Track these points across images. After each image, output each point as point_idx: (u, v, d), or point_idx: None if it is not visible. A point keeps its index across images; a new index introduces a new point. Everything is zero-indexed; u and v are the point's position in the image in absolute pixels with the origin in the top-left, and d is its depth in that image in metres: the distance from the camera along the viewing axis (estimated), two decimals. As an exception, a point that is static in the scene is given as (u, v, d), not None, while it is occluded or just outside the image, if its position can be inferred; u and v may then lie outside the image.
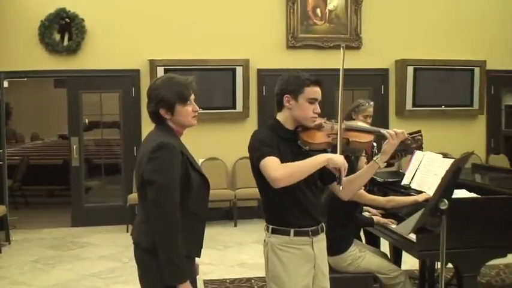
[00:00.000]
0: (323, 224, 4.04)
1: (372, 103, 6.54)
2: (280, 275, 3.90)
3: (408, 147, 4.35)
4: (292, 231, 3.86)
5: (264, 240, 4.04)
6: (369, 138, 4.02)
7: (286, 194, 3.76)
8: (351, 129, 4.04)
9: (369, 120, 6.36)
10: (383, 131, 4.02)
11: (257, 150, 3.79)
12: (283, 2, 11.55)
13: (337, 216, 5.18)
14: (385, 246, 6.51)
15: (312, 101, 3.87)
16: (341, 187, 3.77)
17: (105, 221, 10.99)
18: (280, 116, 3.97)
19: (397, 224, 5.36)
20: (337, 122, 3.92)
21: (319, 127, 3.94)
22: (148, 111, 3.60)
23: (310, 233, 3.92)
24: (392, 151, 3.96)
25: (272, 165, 3.67)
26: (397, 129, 3.99)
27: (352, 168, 4.81)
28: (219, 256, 8.81)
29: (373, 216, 5.62)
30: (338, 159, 3.70)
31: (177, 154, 3.42)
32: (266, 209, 3.99)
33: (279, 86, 3.94)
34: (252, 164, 3.87)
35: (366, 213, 5.79)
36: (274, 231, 3.92)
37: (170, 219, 3.31)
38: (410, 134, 4.36)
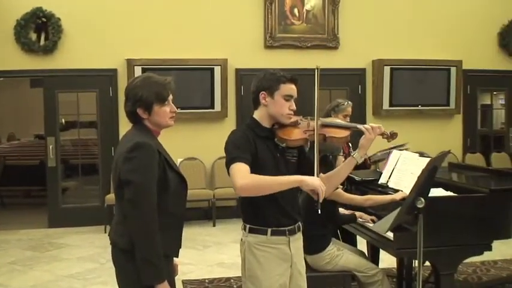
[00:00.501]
0: (300, 223, 4.05)
1: (350, 103, 6.63)
2: (257, 274, 3.91)
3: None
4: (269, 230, 3.87)
5: (241, 240, 4.04)
6: (345, 133, 4.05)
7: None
8: (328, 125, 4.07)
9: (348, 119, 6.43)
10: (359, 126, 4.04)
11: (229, 154, 3.78)
12: (261, 2, 11.56)
13: (315, 215, 5.18)
14: (362, 244, 6.54)
15: (287, 98, 3.88)
16: (319, 211, 3.74)
17: (82, 222, 10.92)
18: (257, 114, 3.99)
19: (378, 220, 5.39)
20: (313, 119, 3.95)
21: (295, 124, 3.97)
22: (126, 110, 3.58)
23: (287, 232, 3.93)
24: (369, 145, 3.99)
25: (239, 173, 3.66)
26: (373, 124, 4.02)
27: (331, 168, 4.84)
28: (198, 256, 8.80)
29: (355, 212, 5.65)
30: (313, 181, 3.67)
31: (154, 154, 3.41)
32: (243, 209, 3.98)
33: (255, 84, 3.96)
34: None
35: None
36: (251, 231, 3.93)
37: (147, 219, 3.29)
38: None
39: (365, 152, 4.01)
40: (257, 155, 3.81)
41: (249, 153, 3.76)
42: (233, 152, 3.76)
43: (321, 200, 3.66)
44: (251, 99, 3.99)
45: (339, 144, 4.39)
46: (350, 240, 6.41)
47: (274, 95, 3.87)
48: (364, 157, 4.10)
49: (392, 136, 4.18)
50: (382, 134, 4.09)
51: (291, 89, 3.90)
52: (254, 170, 3.76)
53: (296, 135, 3.93)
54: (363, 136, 3.98)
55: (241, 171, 3.66)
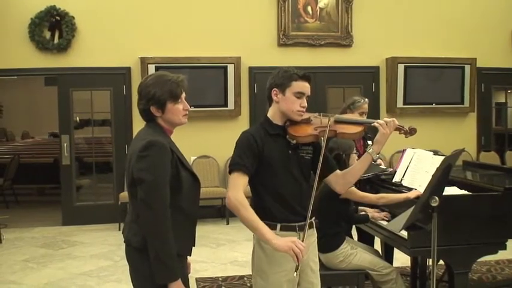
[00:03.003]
0: (313, 220, 4.04)
1: (366, 100, 6.66)
2: (265, 269, 3.93)
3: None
4: (278, 225, 3.87)
5: (253, 234, 4.04)
6: (357, 129, 4.04)
7: (269, 190, 3.85)
8: (340, 121, 4.06)
9: (364, 116, 6.44)
10: (373, 122, 4.04)
11: (232, 158, 3.91)
12: (274, 0, 11.55)
13: (329, 214, 5.19)
14: (376, 243, 6.52)
15: (298, 95, 3.90)
16: (295, 273, 3.65)
17: (96, 220, 11.00)
18: (270, 112, 4.03)
19: (392, 218, 5.38)
20: (326, 116, 3.99)
21: (307, 121, 3.99)
22: (139, 108, 3.58)
23: (297, 228, 3.92)
24: (385, 141, 3.97)
25: (236, 184, 3.79)
26: (387, 118, 4.01)
27: (344, 166, 4.85)
28: (211, 254, 8.81)
29: (368, 213, 5.64)
30: (282, 245, 3.60)
31: (167, 152, 3.40)
32: (253, 204, 3.98)
33: (269, 81, 4.00)
34: None
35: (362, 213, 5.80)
36: None
37: (160, 218, 3.28)
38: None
39: (381, 147, 4.00)
40: (263, 154, 3.85)
41: (250, 157, 3.83)
42: (235, 158, 3.88)
43: (298, 263, 3.56)
44: (266, 97, 4.03)
45: (350, 139, 4.40)
46: (368, 240, 6.40)
47: (286, 92, 3.90)
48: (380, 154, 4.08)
49: (411, 132, 4.13)
50: (399, 130, 4.06)
51: (303, 86, 3.92)
52: (261, 168, 3.85)
53: (306, 131, 3.93)
54: (379, 132, 3.98)
55: (235, 184, 3.79)
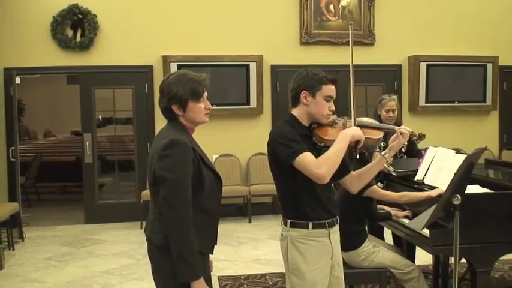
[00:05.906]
0: (337, 216, 4.09)
1: (393, 97, 6.64)
2: (300, 267, 3.97)
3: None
4: (310, 224, 3.93)
5: (282, 235, 4.10)
6: (379, 134, 4.12)
7: (304, 188, 3.86)
8: (363, 125, 4.11)
9: (391, 114, 6.46)
10: (395, 128, 4.17)
11: (287, 147, 3.83)
12: (296, -2, 11.56)
13: (351, 212, 5.19)
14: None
15: (328, 98, 3.95)
16: (357, 155, 4.00)
17: (118, 218, 11.05)
18: (296, 112, 4.05)
19: (414, 216, 5.36)
20: (349, 119, 4.06)
21: (332, 124, 4.05)
22: (161, 106, 3.59)
23: (326, 225, 3.98)
24: (399, 147, 4.16)
25: (312, 162, 3.74)
26: (407, 128, 4.15)
27: (367, 163, 4.87)
28: (234, 252, 8.82)
29: (391, 210, 5.62)
30: (357, 131, 3.87)
31: (189, 151, 3.40)
32: (284, 204, 4.05)
33: (297, 82, 4.01)
34: (273, 159, 3.96)
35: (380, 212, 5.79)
36: (293, 225, 3.99)
37: (182, 217, 3.29)
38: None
39: (395, 153, 4.18)
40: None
41: (303, 144, 3.84)
42: (291, 145, 3.81)
43: (359, 146, 3.87)
44: (290, 96, 4.07)
45: (373, 143, 4.48)
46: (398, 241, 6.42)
47: (316, 95, 3.94)
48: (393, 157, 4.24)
49: (420, 137, 4.34)
50: (412, 136, 4.31)
51: (332, 90, 3.98)
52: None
53: (333, 135, 3.96)
54: (394, 136, 4.11)
55: (312, 161, 3.76)
